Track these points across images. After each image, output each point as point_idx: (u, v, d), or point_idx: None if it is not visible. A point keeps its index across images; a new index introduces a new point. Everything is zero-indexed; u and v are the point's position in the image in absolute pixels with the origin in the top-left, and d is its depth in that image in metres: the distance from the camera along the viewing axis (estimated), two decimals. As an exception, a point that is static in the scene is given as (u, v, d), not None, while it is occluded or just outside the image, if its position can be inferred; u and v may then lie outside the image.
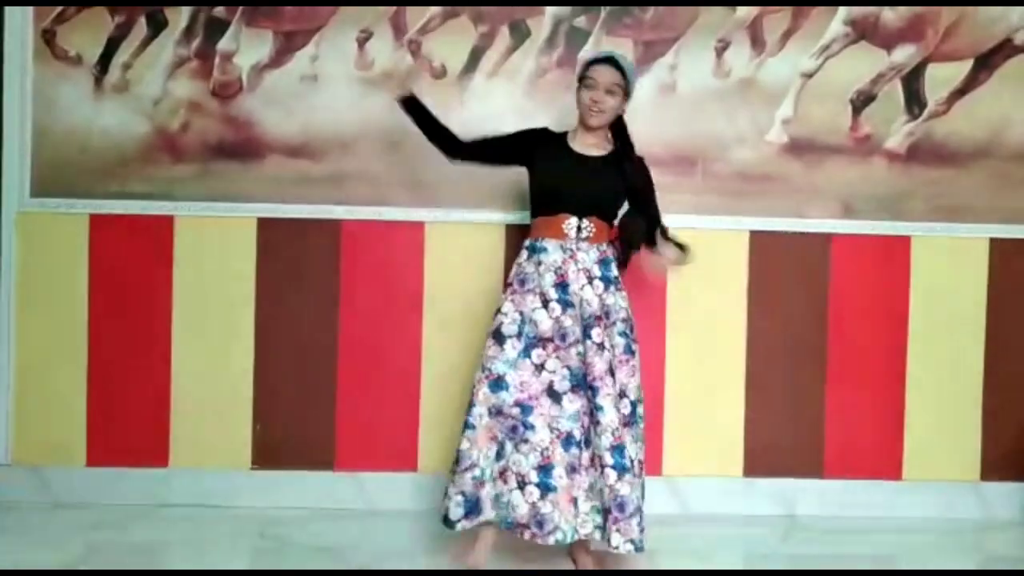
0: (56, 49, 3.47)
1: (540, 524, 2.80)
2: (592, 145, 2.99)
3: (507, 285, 2.98)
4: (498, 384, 2.88)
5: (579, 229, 2.93)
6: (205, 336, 3.51)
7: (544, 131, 3.06)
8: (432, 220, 3.50)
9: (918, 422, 3.56)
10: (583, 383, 2.87)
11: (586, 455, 2.85)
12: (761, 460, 3.56)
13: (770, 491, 3.54)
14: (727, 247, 3.54)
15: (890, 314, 3.57)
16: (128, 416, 3.50)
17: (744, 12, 3.51)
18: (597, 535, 2.85)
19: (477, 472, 2.87)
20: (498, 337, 2.91)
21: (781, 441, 3.55)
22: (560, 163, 2.96)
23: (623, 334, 2.93)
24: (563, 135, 3.03)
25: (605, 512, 2.82)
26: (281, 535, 3.24)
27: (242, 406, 3.52)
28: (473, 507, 2.87)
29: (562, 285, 2.90)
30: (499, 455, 2.87)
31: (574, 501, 2.83)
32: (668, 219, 3.46)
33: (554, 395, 2.87)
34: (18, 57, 3.45)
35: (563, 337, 2.88)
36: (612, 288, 2.94)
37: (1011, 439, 3.57)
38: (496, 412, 2.88)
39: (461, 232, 3.49)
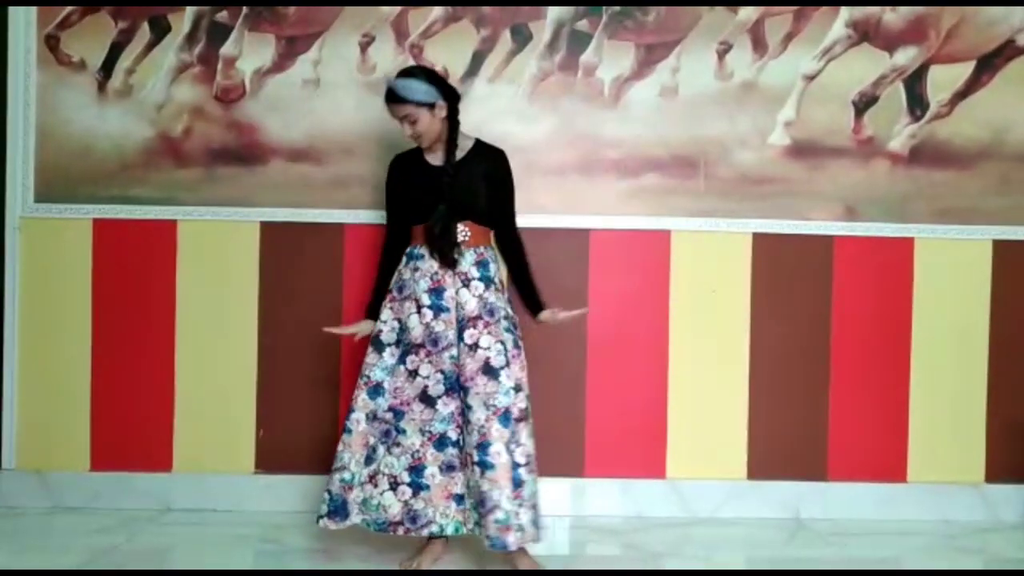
0: (60, 54, 3.48)
1: (413, 519, 2.90)
2: (439, 156, 2.99)
3: (388, 294, 3.01)
4: (376, 391, 2.94)
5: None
6: (208, 340, 3.52)
7: (394, 162, 3.07)
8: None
9: (922, 424, 3.56)
10: (456, 386, 2.91)
11: (464, 454, 2.91)
12: (765, 463, 3.55)
13: (774, 494, 3.53)
14: (730, 250, 3.53)
15: (893, 316, 3.56)
16: (131, 421, 3.51)
17: (746, 15, 3.51)
18: (477, 531, 2.89)
19: (347, 475, 2.94)
20: (377, 345, 2.98)
21: (785, 444, 3.55)
22: (419, 176, 2.97)
23: (509, 330, 2.93)
24: (416, 151, 3.02)
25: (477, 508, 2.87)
26: (283, 539, 3.24)
27: (245, 410, 3.52)
28: (339, 508, 2.93)
29: (436, 290, 2.92)
30: (369, 459, 2.95)
31: (453, 497, 2.91)
32: (671, 222, 3.50)
33: (427, 399, 2.92)
34: (22, 62, 3.46)
35: (435, 342, 2.91)
36: (492, 287, 2.94)
37: (1015, 441, 3.56)
38: (372, 417, 2.95)
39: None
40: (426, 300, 2.92)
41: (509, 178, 3.00)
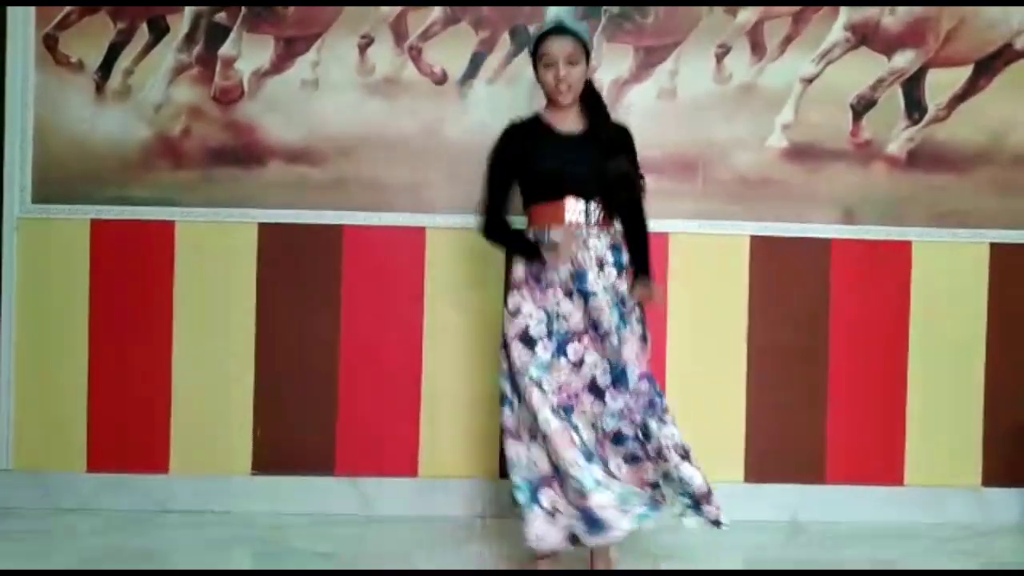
0: (58, 55, 3.47)
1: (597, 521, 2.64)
2: (573, 122, 2.80)
3: (516, 283, 2.80)
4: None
5: (587, 214, 2.75)
6: (206, 342, 3.51)
7: (513, 129, 2.84)
8: (433, 225, 3.50)
9: (919, 427, 3.56)
10: (623, 376, 2.74)
11: (648, 446, 2.76)
12: (763, 465, 3.55)
13: (772, 496, 3.53)
14: (727, 252, 3.54)
15: (891, 320, 3.56)
16: (129, 421, 3.50)
17: (744, 17, 3.51)
18: (689, 514, 2.78)
19: (574, 484, 2.66)
20: (527, 340, 2.73)
21: (783, 446, 3.55)
22: (551, 146, 2.77)
23: (640, 321, 2.81)
24: (535, 119, 2.82)
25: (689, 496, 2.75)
26: (281, 540, 3.23)
27: (242, 412, 3.52)
28: (592, 523, 2.65)
29: (579, 275, 2.72)
30: (590, 456, 2.70)
31: (648, 484, 2.79)
32: (669, 224, 3.50)
33: (596, 390, 2.75)
34: (20, 63, 3.46)
35: (595, 327, 2.72)
36: (624, 275, 2.80)
37: (1012, 445, 3.57)
38: (558, 413, 2.70)
39: (462, 237, 3.48)
40: (572, 285, 2.72)
41: (637, 160, 2.86)
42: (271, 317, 3.52)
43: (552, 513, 2.71)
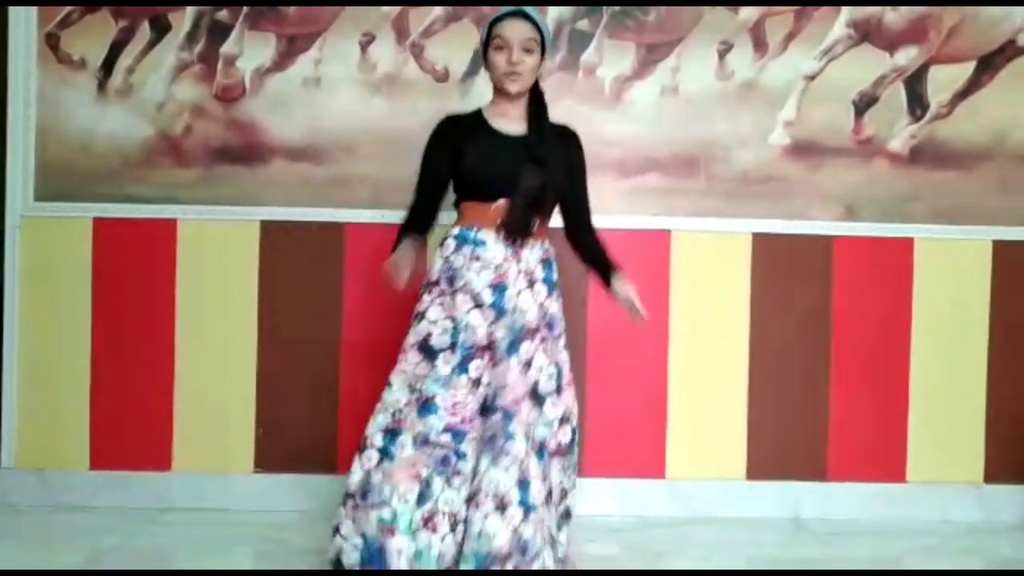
0: (60, 53, 3.48)
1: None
2: (515, 120, 2.61)
3: (428, 284, 2.60)
4: (427, 408, 2.50)
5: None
6: (208, 339, 3.51)
7: (448, 121, 2.66)
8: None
9: (921, 425, 3.56)
10: (493, 405, 2.50)
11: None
12: (764, 463, 3.55)
13: (773, 494, 3.53)
14: (729, 249, 3.53)
15: (893, 317, 3.56)
16: (131, 419, 3.51)
17: (746, 14, 3.51)
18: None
19: (387, 514, 2.44)
20: (427, 351, 2.52)
21: (784, 444, 3.55)
22: (489, 144, 2.58)
23: (567, 347, 2.61)
24: (476, 114, 2.66)
25: None
26: (283, 538, 3.23)
27: (245, 409, 3.52)
28: (374, 555, 2.43)
29: (499, 287, 2.52)
30: (422, 497, 2.45)
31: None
32: (671, 221, 3.50)
33: (485, 411, 2.51)
34: (22, 61, 3.46)
35: (492, 349, 2.50)
36: (555, 294, 2.61)
37: (1014, 442, 3.56)
38: (422, 441, 2.48)
39: (463, 235, 3.49)
40: (487, 298, 2.51)
41: (585, 167, 2.68)
42: (273, 315, 3.52)
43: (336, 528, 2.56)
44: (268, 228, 3.51)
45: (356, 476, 2.54)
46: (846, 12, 3.51)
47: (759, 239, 3.54)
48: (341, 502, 2.60)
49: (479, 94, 3.48)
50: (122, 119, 3.48)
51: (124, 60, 3.48)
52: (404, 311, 3.49)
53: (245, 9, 3.47)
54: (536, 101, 2.66)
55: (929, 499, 3.54)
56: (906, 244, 3.55)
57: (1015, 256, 3.55)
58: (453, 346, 2.52)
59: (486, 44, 2.62)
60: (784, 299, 3.55)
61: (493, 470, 2.44)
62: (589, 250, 2.74)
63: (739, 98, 3.51)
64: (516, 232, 2.53)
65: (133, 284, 3.51)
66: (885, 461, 3.56)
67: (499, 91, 2.65)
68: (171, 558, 3.09)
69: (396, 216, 3.45)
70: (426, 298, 2.58)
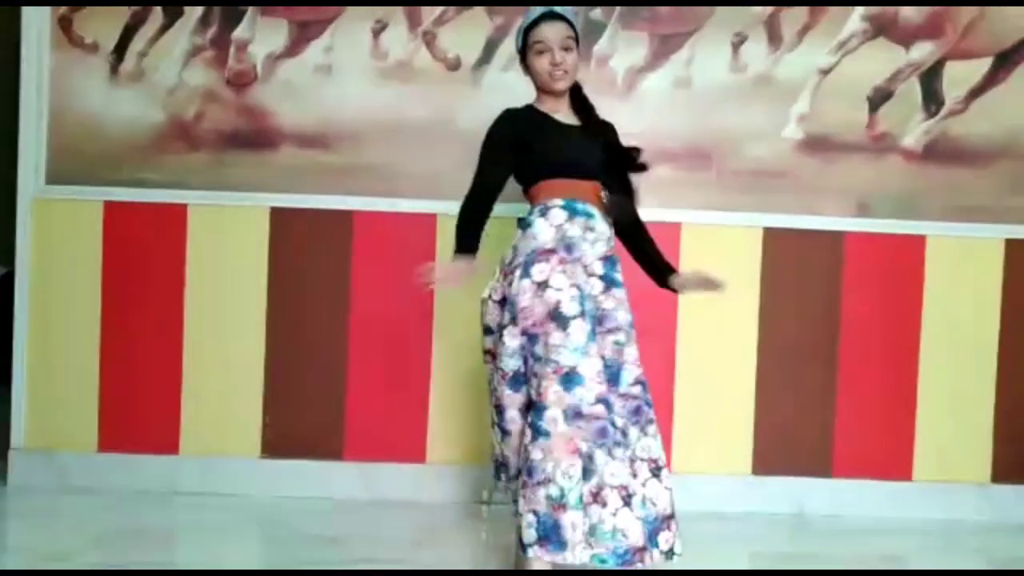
0: (73, 36, 3.48)
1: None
2: (569, 114, 2.65)
3: (540, 251, 2.50)
4: (569, 379, 2.40)
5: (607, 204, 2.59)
6: (217, 324, 3.52)
7: (511, 114, 2.64)
8: (445, 212, 3.49)
9: (929, 423, 3.54)
10: (616, 378, 2.50)
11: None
12: (770, 458, 3.54)
13: (779, 489, 3.53)
14: (740, 244, 3.52)
15: (903, 314, 3.54)
16: (140, 403, 3.52)
17: (761, 7, 3.48)
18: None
19: (554, 491, 2.37)
20: (559, 319, 2.41)
21: (791, 439, 3.54)
22: (561, 132, 2.60)
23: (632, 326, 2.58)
24: (531, 108, 2.66)
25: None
26: (289, 524, 3.25)
27: (252, 395, 3.53)
28: (549, 533, 2.35)
29: (610, 260, 2.54)
30: (587, 472, 2.38)
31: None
32: (682, 214, 3.49)
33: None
34: (35, 44, 3.46)
35: (601, 321, 2.48)
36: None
37: (1022, 441, 3.55)
38: (574, 415, 2.39)
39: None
40: (599, 269, 2.50)
41: None
42: (282, 301, 3.53)
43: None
44: (278, 214, 3.51)
45: (511, 456, 2.52)
46: (861, 7, 3.47)
47: (770, 234, 3.52)
48: (509, 477, 2.54)
49: (490, 83, 3.48)
50: (134, 103, 3.48)
51: (136, 44, 3.48)
52: (412, 297, 3.51)
53: (256, 4, 3.46)
54: (580, 96, 2.69)
55: (936, 498, 3.53)
56: (918, 241, 3.53)
57: (1028, 254, 3.53)
58: (583, 314, 2.44)
59: (523, 50, 2.65)
60: (794, 295, 3.53)
61: (644, 438, 2.47)
62: (645, 243, 2.75)
63: (753, 91, 3.49)
64: (617, 216, 2.58)
65: (143, 268, 3.52)
66: (892, 459, 3.55)
67: (545, 91, 2.66)
68: (178, 541, 3.11)
69: (405, 204, 3.48)
70: (544, 266, 2.47)
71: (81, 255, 3.51)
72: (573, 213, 2.52)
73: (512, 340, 2.51)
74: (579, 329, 2.42)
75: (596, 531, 2.38)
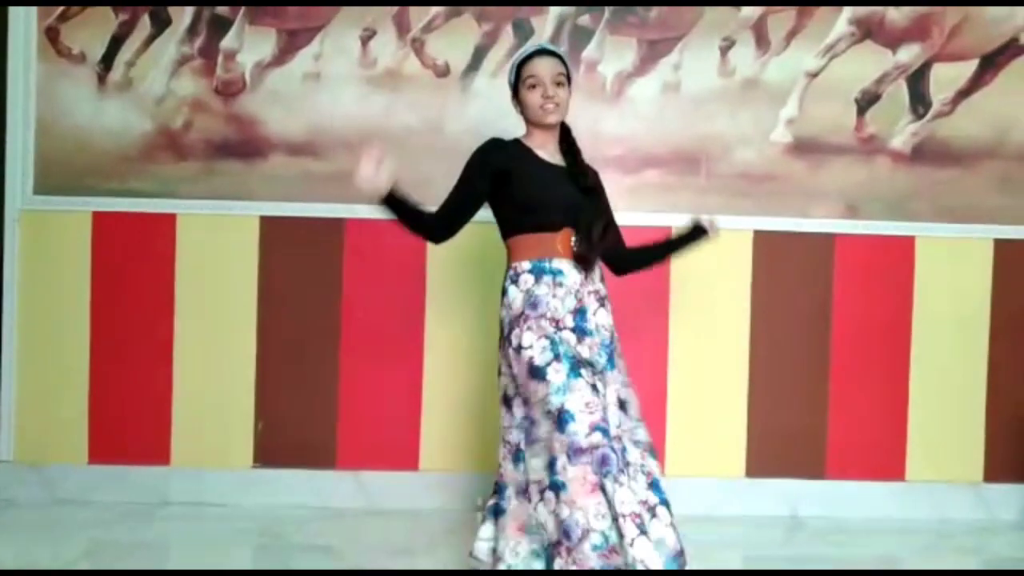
0: (60, 47, 3.47)
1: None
2: (555, 153, 2.66)
3: (513, 319, 2.54)
4: (562, 420, 2.39)
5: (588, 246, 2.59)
6: (207, 334, 3.51)
7: (496, 144, 2.64)
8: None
9: (921, 423, 3.55)
10: None
11: None
12: (763, 461, 3.55)
13: (772, 491, 3.53)
14: (730, 247, 3.52)
15: (894, 315, 3.56)
16: (130, 414, 3.50)
17: (749, 11, 3.50)
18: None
19: (598, 540, 2.34)
20: (536, 374, 2.45)
21: (783, 441, 3.54)
22: (542, 173, 2.60)
23: (622, 358, 2.62)
24: (517, 143, 2.66)
25: None
26: (282, 533, 3.24)
27: (244, 404, 3.52)
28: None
29: (580, 312, 2.53)
30: (610, 504, 2.36)
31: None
32: (672, 218, 3.48)
33: (623, 407, 2.55)
34: (22, 54, 3.45)
35: (592, 365, 2.50)
36: (608, 307, 2.63)
37: (1014, 441, 3.56)
38: (575, 452, 2.37)
39: (464, 232, 3.46)
40: (569, 322, 2.50)
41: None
42: (272, 310, 3.52)
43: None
44: (268, 223, 3.51)
45: (547, 520, 2.44)
46: (848, 9, 3.50)
47: (760, 237, 3.53)
48: (551, 540, 2.43)
49: (479, 90, 3.48)
50: (122, 113, 3.47)
51: (124, 54, 3.47)
52: (404, 305, 3.51)
53: (245, 4, 3.46)
54: (568, 137, 2.70)
55: (928, 498, 3.54)
56: (907, 242, 3.55)
57: (1016, 254, 3.55)
58: (557, 357, 2.46)
59: (515, 85, 2.66)
60: (785, 297, 3.54)
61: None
62: (633, 254, 2.80)
63: (741, 95, 3.51)
64: (592, 262, 2.58)
65: (132, 278, 3.50)
66: (885, 459, 3.55)
67: (535, 125, 2.66)
68: (169, 553, 3.09)
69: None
70: (518, 331, 2.52)
71: (70, 266, 3.49)
72: (540, 274, 2.55)
73: (518, 410, 2.54)
74: (555, 371, 2.44)
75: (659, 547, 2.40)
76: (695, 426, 3.55)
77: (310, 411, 3.52)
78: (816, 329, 3.55)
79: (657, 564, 2.36)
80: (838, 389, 3.55)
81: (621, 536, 2.33)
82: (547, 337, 2.48)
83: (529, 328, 2.50)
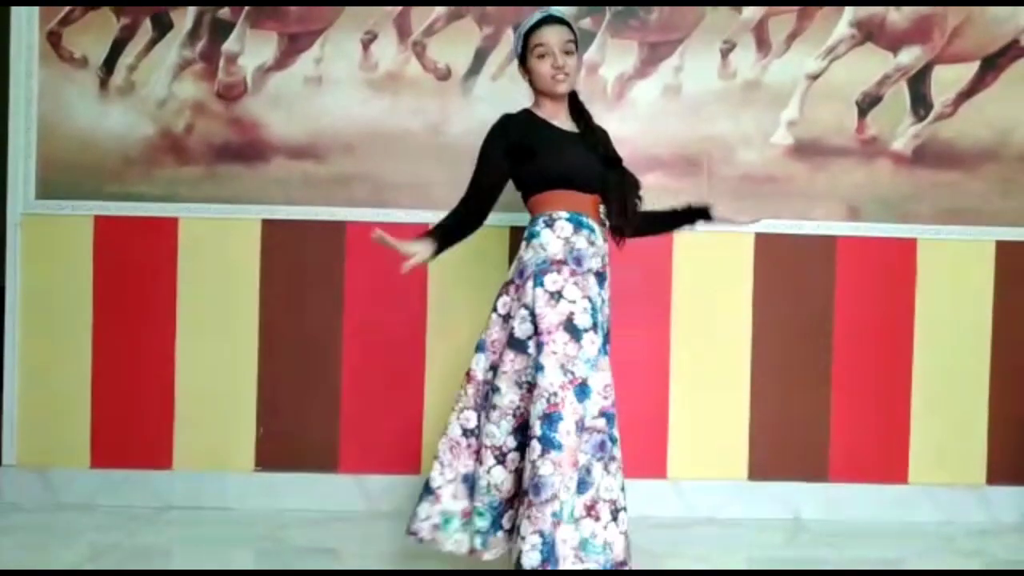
0: (62, 51, 3.47)
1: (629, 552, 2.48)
2: (566, 120, 2.63)
3: (550, 262, 2.46)
4: (582, 391, 2.38)
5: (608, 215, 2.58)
6: (209, 338, 3.51)
7: (510, 120, 2.60)
8: (436, 221, 3.48)
9: (923, 426, 3.55)
10: None
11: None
12: (766, 463, 3.54)
13: (775, 494, 3.53)
14: (732, 249, 3.53)
15: (896, 317, 3.55)
16: (132, 418, 3.50)
17: (750, 14, 3.50)
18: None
19: (557, 507, 2.34)
20: (572, 331, 2.38)
21: (786, 444, 3.54)
22: (564, 144, 2.57)
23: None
24: (529, 113, 2.63)
25: None
26: (284, 537, 3.23)
27: (246, 408, 3.52)
28: (551, 552, 2.33)
29: (602, 276, 2.51)
30: (583, 484, 2.38)
31: None
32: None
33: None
34: (24, 59, 3.46)
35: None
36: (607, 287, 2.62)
37: (1017, 443, 3.55)
38: (581, 427, 2.37)
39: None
40: (596, 288, 2.48)
41: None
42: (274, 313, 3.52)
43: (509, 531, 2.52)
44: (269, 226, 3.51)
45: (504, 480, 2.47)
46: (849, 12, 3.50)
47: (762, 239, 3.53)
48: (505, 497, 2.48)
49: (481, 93, 3.48)
50: (124, 117, 3.48)
51: (126, 58, 3.48)
52: (406, 307, 3.51)
53: (247, 7, 3.47)
54: (577, 102, 2.69)
55: (931, 501, 3.53)
56: (909, 245, 3.54)
57: (1018, 256, 3.54)
58: (595, 326, 2.43)
59: (523, 54, 2.64)
60: (787, 299, 3.54)
61: (606, 477, 2.45)
62: (647, 219, 2.71)
63: (742, 98, 3.51)
64: (625, 235, 2.58)
65: (134, 282, 3.50)
66: (887, 462, 3.55)
67: (545, 95, 2.64)
68: (171, 557, 3.09)
69: (397, 214, 3.48)
70: (556, 276, 2.44)
71: (72, 270, 3.49)
72: (579, 226, 2.51)
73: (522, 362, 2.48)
74: (590, 342, 2.41)
75: (587, 545, 2.40)
76: (697, 428, 3.55)
77: (312, 414, 3.52)
78: (818, 331, 3.55)
79: (621, 551, 2.41)
80: (840, 391, 3.55)
81: (577, 517, 2.36)
82: (589, 299, 2.43)
83: (575, 283, 2.43)
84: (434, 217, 3.42)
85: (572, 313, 2.41)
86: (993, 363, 3.55)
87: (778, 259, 3.53)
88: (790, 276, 3.54)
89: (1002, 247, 3.54)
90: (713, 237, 3.50)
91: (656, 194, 3.46)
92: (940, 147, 3.52)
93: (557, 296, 2.43)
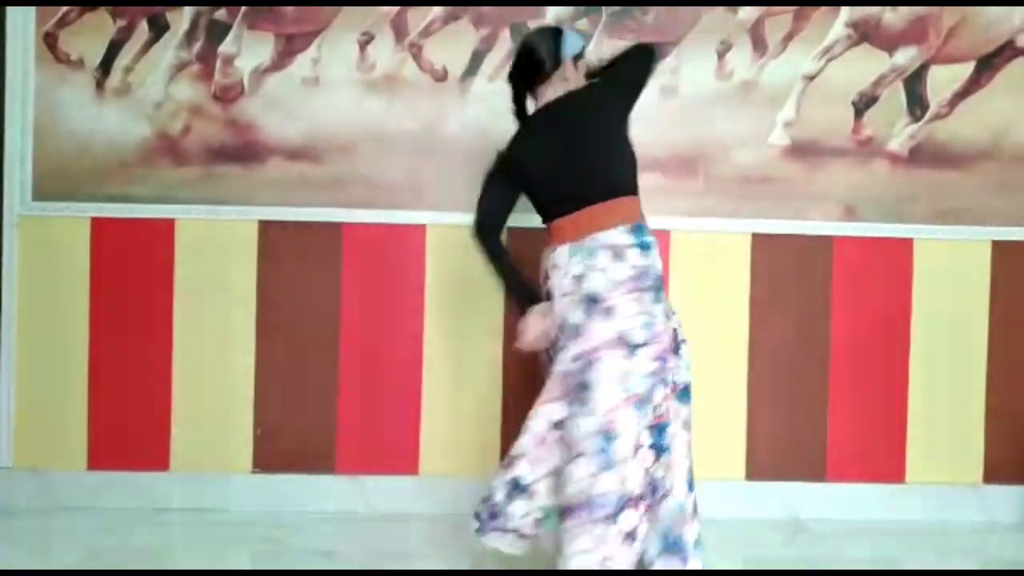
0: (58, 52, 3.47)
1: None
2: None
3: (619, 284, 2.49)
4: (641, 406, 2.47)
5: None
6: (206, 339, 3.51)
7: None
8: (433, 223, 3.50)
9: (920, 425, 3.55)
10: None
11: None
12: (764, 463, 3.55)
13: (772, 494, 3.53)
14: (729, 250, 3.53)
15: (892, 317, 3.56)
16: (129, 419, 3.50)
17: (746, 14, 3.50)
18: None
19: (674, 504, 2.57)
20: (630, 347, 2.46)
21: (784, 444, 3.54)
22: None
23: None
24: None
25: None
26: (282, 538, 3.23)
27: (243, 409, 3.51)
28: (674, 545, 2.55)
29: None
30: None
31: None
32: (671, 222, 3.49)
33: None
34: (20, 60, 3.45)
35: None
36: None
37: (1014, 442, 3.56)
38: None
39: (463, 235, 3.45)
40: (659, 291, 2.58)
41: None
42: (271, 314, 3.51)
43: (630, 535, 2.50)
44: (266, 228, 3.51)
45: (636, 480, 2.49)
46: (845, 12, 3.50)
47: (759, 239, 3.54)
48: (617, 508, 2.47)
49: (477, 94, 3.48)
50: (120, 118, 3.47)
51: (122, 59, 3.47)
52: (402, 308, 3.51)
53: (243, 9, 3.46)
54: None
55: (928, 500, 3.53)
56: (906, 244, 3.55)
57: (1014, 256, 3.55)
58: (650, 340, 2.50)
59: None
60: (783, 299, 3.55)
61: None
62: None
63: (738, 98, 3.51)
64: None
65: (131, 284, 3.50)
66: (884, 462, 3.55)
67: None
68: (169, 558, 3.08)
69: (394, 216, 3.47)
70: (622, 297, 2.50)
71: (68, 271, 3.49)
72: (644, 248, 2.57)
73: (649, 363, 2.52)
74: (647, 356, 2.50)
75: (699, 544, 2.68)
76: (695, 429, 3.53)
77: (309, 415, 3.52)
78: (815, 331, 3.55)
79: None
80: (837, 391, 3.55)
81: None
82: (648, 315, 2.48)
83: (635, 298, 2.47)
84: (430, 218, 3.48)
85: (629, 328, 2.51)
86: (990, 361, 3.56)
87: (775, 259, 3.53)
88: (787, 276, 3.54)
89: (998, 247, 3.55)
90: (710, 237, 3.51)
91: (655, 194, 3.49)
92: (936, 147, 3.53)
93: (609, 309, 2.52)
